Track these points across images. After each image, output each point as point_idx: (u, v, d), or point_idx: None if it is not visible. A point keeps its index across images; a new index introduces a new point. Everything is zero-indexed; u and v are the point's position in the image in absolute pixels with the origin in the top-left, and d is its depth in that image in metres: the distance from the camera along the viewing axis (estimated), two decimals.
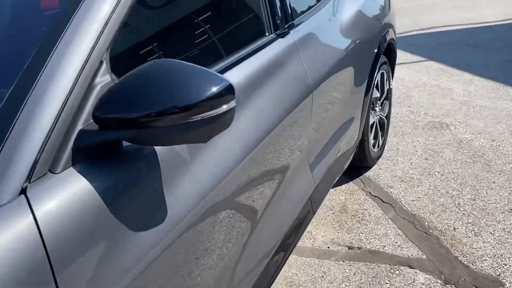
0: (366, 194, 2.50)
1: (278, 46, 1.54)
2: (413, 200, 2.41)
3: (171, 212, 0.96)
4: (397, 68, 4.38)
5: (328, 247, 2.13)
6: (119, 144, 0.90)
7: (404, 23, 5.79)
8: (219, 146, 1.15)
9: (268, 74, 1.44)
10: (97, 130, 0.84)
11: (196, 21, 1.32)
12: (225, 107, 0.86)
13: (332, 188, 2.54)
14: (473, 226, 2.17)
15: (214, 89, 0.85)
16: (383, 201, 2.43)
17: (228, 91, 0.87)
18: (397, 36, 2.99)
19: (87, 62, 0.87)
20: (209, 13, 1.39)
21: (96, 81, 0.89)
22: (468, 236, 2.11)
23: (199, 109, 0.84)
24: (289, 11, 1.67)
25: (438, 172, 2.65)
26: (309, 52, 1.70)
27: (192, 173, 1.05)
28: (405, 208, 2.36)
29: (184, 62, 0.87)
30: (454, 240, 2.10)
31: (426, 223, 2.23)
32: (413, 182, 2.57)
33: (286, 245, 1.62)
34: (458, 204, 2.35)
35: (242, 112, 1.26)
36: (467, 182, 2.52)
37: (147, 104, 0.82)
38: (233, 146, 1.21)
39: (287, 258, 1.68)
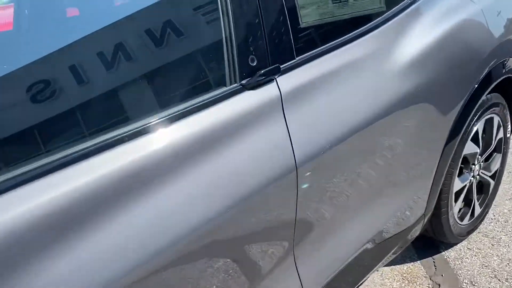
0: (432, 287, 1.81)
1: (240, 103, 1.04)
2: None
3: None
4: None
5: None
6: None
7: None
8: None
9: (212, 143, 0.99)
10: None
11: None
12: None
13: (388, 266, 1.90)
14: None
15: None
16: None
17: None
18: None
19: None
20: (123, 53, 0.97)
21: None
22: None
23: None
24: (284, 47, 1.13)
25: None
26: (307, 107, 1.15)
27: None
28: None
29: None
30: None
31: None
32: (511, 282, 1.77)
33: None
34: None
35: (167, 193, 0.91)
36: None
37: None
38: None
39: None
